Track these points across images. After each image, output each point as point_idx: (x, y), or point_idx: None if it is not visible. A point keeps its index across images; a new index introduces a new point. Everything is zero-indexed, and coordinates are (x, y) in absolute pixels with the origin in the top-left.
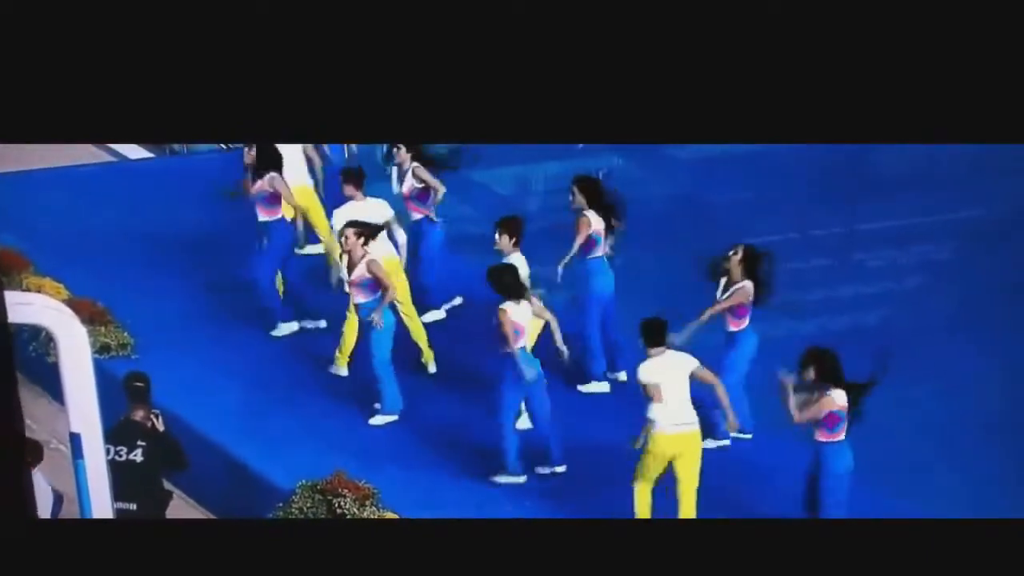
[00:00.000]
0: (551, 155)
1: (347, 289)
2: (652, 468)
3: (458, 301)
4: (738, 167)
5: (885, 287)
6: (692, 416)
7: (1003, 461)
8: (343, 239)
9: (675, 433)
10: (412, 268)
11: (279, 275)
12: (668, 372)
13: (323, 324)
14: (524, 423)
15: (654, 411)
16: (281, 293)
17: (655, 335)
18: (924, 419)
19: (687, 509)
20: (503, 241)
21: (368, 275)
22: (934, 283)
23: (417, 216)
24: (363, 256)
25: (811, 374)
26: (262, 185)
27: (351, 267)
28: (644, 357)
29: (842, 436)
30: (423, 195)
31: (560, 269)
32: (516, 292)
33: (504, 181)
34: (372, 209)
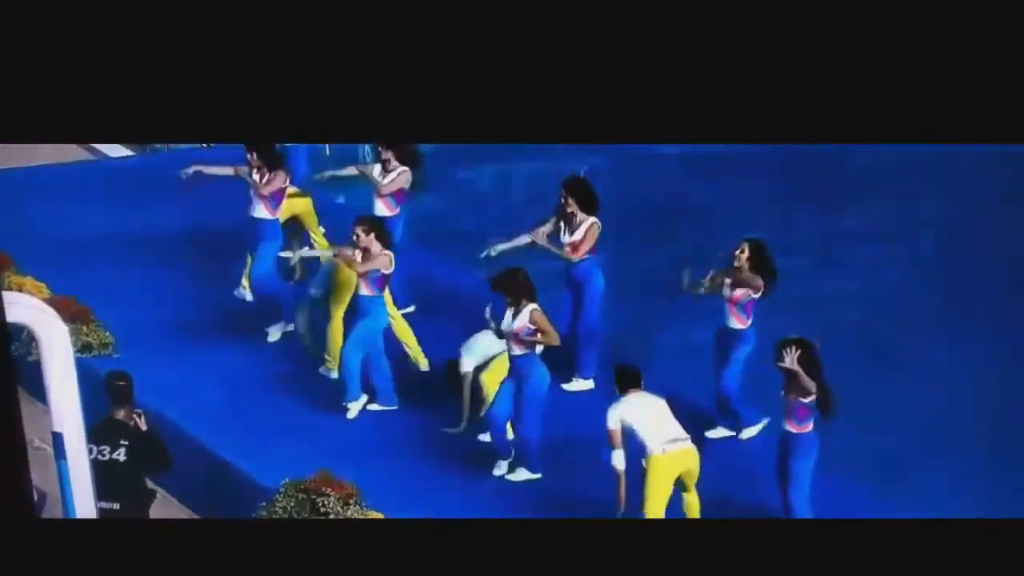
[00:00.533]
0: (529, 154)
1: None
2: (661, 493)
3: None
4: (720, 166)
5: (865, 286)
6: (682, 431)
7: (989, 460)
8: (354, 237)
9: (675, 451)
10: None
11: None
12: (642, 410)
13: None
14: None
15: (646, 437)
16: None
17: (630, 380)
18: (921, 419)
19: (694, 511)
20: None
21: (388, 270)
22: (914, 282)
23: (386, 213)
24: (381, 250)
25: (787, 363)
26: (277, 183)
27: (366, 261)
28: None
29: (811, 427)
30: (400, 196)
31: (541, 241)
32: (532, 291)
33: (486, 178)
34: None
